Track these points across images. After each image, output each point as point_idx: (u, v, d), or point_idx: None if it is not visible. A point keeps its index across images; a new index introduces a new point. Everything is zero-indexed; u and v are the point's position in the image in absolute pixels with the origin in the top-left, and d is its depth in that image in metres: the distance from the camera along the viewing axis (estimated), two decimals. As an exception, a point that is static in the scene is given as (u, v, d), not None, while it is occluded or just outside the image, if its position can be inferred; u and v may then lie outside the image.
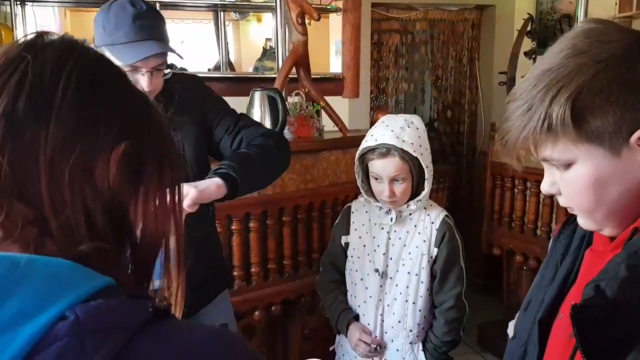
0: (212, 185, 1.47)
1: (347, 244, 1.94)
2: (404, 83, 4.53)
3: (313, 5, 2.83)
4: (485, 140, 4.25)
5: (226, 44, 4.48)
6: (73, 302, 0.47)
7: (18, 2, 3.03)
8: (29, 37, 0.58)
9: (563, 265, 0.91)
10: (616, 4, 4.27)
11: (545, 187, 0.82)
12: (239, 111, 1.81)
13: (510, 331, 1.35)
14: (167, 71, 1.61)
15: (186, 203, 1.37)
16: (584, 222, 0.82)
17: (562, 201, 0.82)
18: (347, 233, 1.93)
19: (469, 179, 4.69)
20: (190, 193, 1.39)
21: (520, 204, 3.19)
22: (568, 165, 0.76)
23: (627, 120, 0.71)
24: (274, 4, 2.94)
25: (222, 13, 4.27)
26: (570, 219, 0.94)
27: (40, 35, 0.58)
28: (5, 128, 0.52)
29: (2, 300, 0.45)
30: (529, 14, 3.57)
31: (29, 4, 3.16)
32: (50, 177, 0.53)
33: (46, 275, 0.48)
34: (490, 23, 4.51)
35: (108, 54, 1.47)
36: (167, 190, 0.62)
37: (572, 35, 0.76)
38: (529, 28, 3.45)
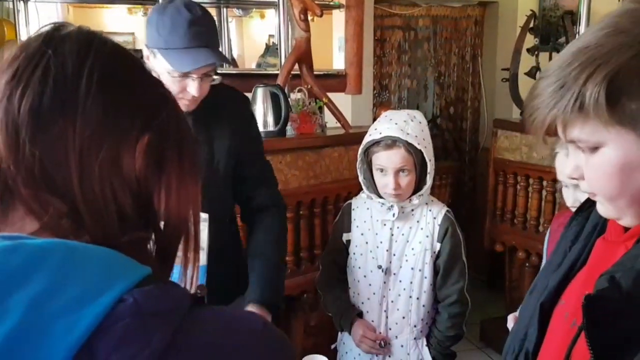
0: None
1: (348, 242, 1.94)
2: (406, 79, 4.53)
3: (316, 2, 2.83)
4: (488, 137, 4.24)
5: (229, 40, 4.49)
6: (129, 285, 0.49)
7: (21, -1, 3.04)
8: (46, 29, 0.58)
9: (572, 252, 0.90)
10: (619, 0, 4.27)
11: (568, 171, 0.80)
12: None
13: (510, 324, 1.35)
14: (215, 77, 1.58)
15: None
16: (604, 210, 0.80)
17: (585, 186, 0.79)
18: (349, 230, 1.93)
19: (472, 176, 4.69)
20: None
21: (523, 201, 3.19)
22: (595, 149, 0.74)
23: None
24: (276, 1, 2.93)
25: (224, 9, 4.28)
26: (585, 206, 0.93)
27: (57, 27, 0.58)
28: (34, 123, 0.53)
29: (65, 282, 0.47)
30: (531, 10, 3.56)
31: (32, 0, 3.16)
32: (81, 170, 0.54)
33: (100, 260, 0.50)
34: (493, 19, 4.50)
35: (160, 57, 1.47)
36: (188, 178, 0.63)
37: (615, 14, 0.73)
38: (531, 24, 3.44)
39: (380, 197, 1.84)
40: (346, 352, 1.98)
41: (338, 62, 3.72)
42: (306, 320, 2.65)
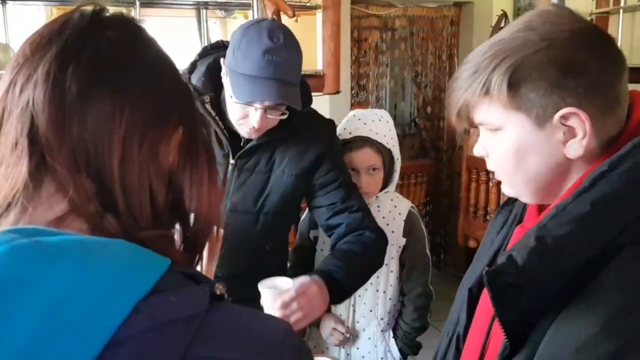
0: (313, 287, 1.36)
1: (316, 238, 1.97)
2: (384, 79, 4.58)
3: (291, 3, 2.87)
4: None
5: (209, 40, 4.50)
6: (145, 290, 0.47)
7: (-1, 0, 3.03)
8: (88, 9, 0.57)
9: (496, 241, 0.97)
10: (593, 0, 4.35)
11: (477, 150, 0.88)
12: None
13: None
14: (285, 112, 1.45)
15: (277, 304, 1.30)
16: (506, 188, 0.88)
17: (489, 164, 0.88)
18: (316, 227, 1.97)
19: (449, 174, 4.75)
20: (288, 294, 1.31)
21: (495, 197, 3.26)
22: (497, 130, 0.82)
23: (555, 98, 0.76)
24: (250, 2, 2.97)
25: (204, 11, 4.31)
26: (510, 200, 1.00)
27: (102, 9, 0.58)
28: (84, 103, 0.52)
29: (80, 287, 0.45)
30: (502, 10, 3.64)
31: (10, 2, 3.16)
32: (123, 156, 0.54)
33: (117, 261, 0.48)
34: (468, 19, 4.57)
35: (229, 77, 1.40)
36: (215, 173, 0.64)
37: (530, 13, 0.82)
38: (502, 24, 3.51)
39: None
40: (314, 347, 2.01)
41: (321, 62, 3.76)
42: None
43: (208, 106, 1.48)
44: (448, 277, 4.06)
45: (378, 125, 1.81)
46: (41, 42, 0.54)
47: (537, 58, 0.76)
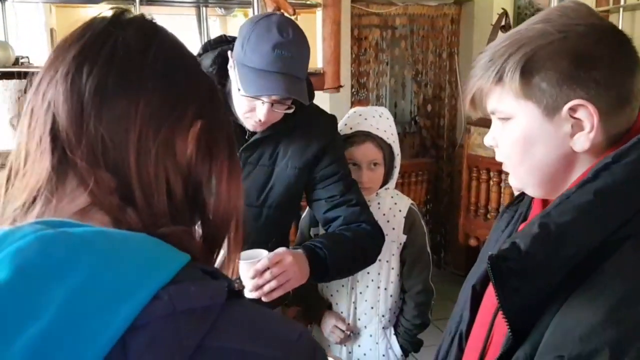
0: (288, 257, 1.37)
1: (316, 235, 1.98)
2: (384, 77, 4.58)
3: (292, 1, 2.87)
4: (465, 134, 4.31)
5: (209, 38, 4.50)
6: (165, 280, 0.48)
7: (-2, -1, 3.04)
8: (111, 13, 0.60)
9: (501, 238, 0.98)
10: (594, -1, 4.35)
11: (487, 140, 0.90)
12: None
13: None
14: (290, 107, 1.46)
15: (250, 273, 1.31)
16: (512, 180, 0.89)
17: (498, 155, 0.89)
18: (316, 225, 1.97)
19: (449, 172, 4.75)
20: (260, 262, 1.33)
21: (496, 196, 3.27)
22: (508, 119, 0.83)
23: (565, 89, 0.77)
24: (251, 0, 2.97)
25: (204, 9, 4.31)
26: (515, 200, 1.01)
27: (122, 12, 0.61)
28: (100, 99, 0.55)
29: (103, 276, 0.46)
30: (503, 9, 3.64)
31: (9, 0, 3.16)
32: (139, 150, 0.55)
33: (139, 252, 0.50)
34: (469, 18, 4.57)
35: (236, 69, 1.40)
36: (237, 168, 0.65)
37: (549, 8, 0.84)
38: (503, 23, 3.51)
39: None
40: (316, 344, 2.02)
41: (321, 60, 3.76)
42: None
43: None
44: (448, 276, 4.06)
45: (379, 121, 1.82)
46: (64, 46, 0.58)
47: (551, 48, 0.77)
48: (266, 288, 1.34)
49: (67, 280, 0.45)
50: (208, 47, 1.60)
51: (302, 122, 1.56)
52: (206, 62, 1.54)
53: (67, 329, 0.44)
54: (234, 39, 1.54)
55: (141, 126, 0.56)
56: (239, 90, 1.40)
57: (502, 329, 0.81)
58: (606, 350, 0.65)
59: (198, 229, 0.63)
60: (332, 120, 1.70)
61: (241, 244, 0.67)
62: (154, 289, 0.47)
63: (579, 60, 0.76)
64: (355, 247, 1.58)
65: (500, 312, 0.76)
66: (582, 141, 0.78)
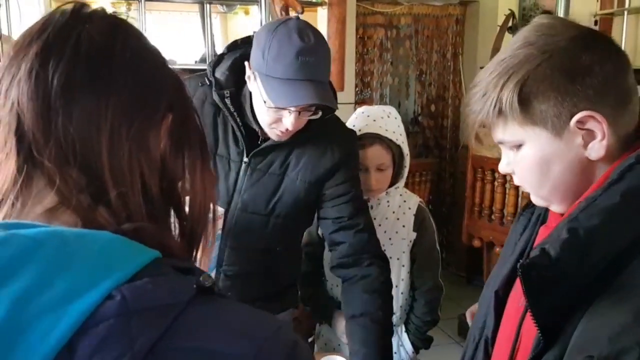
0: None
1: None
2: (388, 77, 4.57)
3: (298, -1, 2.86)
4: (468, 134, 4.31)
5: (212, 35, 4.49)
6: (121, 279, 0.46)
7: (1, -8, 3.02)
8: (69, 6, 0.58)
9: (520, 242, 0.98)
10: (597, 0, 4.35)
11: (502, 167, 0.89)
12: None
13: (468, 318, 1.41)
14: (316, 112, 1.41)
15: None
16: (535, 199, 0.89)
17: (516, 180, 0.88)
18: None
19: (452, 173, 4.75)
20: None
21: (500, 197, 3.26)
22: (519, 147, 0.83)
23: (567, 105, 0.77)
24: (258, -2, 2.96)
25: (207, 5, 4.29)
26: (530, 203, 1.00)
27: (82, 5, 0.58)
28: (68, 96, 0.53)
29: (52, 277, 0.45)
30: (510, 10, 3.63)
31: (12, -7, 3.14)
32: (111, 146, 0.54)
33: (95, 252, 0.47)
34: (473, 18, 4.56)
35: (259, 81, 1.35)
36: (209, 163, 0.64)
37: (525, 29, 0.83)
38: (510, 24, 3.51)
39: (358, 190, 1.88)
40: (325, 344, 2.00)
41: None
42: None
43: (228, 101, 1.44)
44: (449, 277, 4.05)
45: (387, 121, 1.80)
46: (24, 42, 0.55)
47: (542, 70, 0.78)
48: None
49: (14, 283, 0.43)
50: (234, 46, 1.53)
51: (318, 133, 1.51)
52: (227, 62, 1.49)
53: (13, 333, 0.42)
54: (245, 41, 1.50)
55: (113, 121, 0.54)
56: (264, 102, 1.35)
57: (530, 333, 0.81)
58: (636, 349, 0.65)
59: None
60: (352, 136, 1.64)
61: (214, 238, 0.65)
62: (106, 288, 0.45)
63: (571, 74, 0.77)
64: (387, 326, 1.57)
65: (527, 317, 0.76)
66: (596, 149, 0.78)
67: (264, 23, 3.10)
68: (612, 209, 0.73)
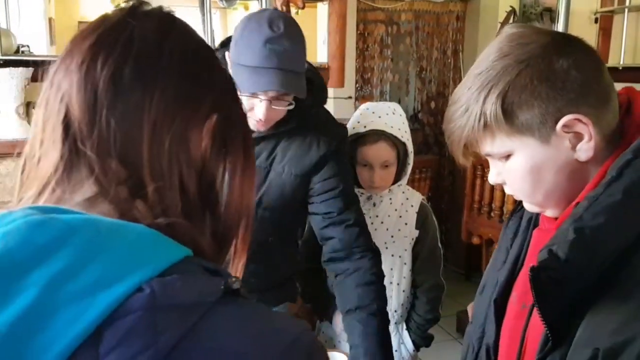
0: None
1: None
2: (388, 73, 4.56)
3: (299, -6, 2.85)
4: (468, 132, 4.30)
5: (212, 31, 4.48)
6: (151, 273, 0.47)
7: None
8: (128, 5, 0.60)
9: (513, 247, 0.98)
10: (597, -2, 4.34)
11: (492, 178, 0.90)
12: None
13: (469, 310, 1.42)
14: (291, 103, 1.42)
15: None
16: (528, 206, 0.90)
17: (507, 189, 0.89)
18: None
19: (451, 170, 4.75)
20: None
21: (500, 194, 3.26)
22: (507, 157, 0.84)
23: (551, 111, 0.78)
24: (259, -8, 2.95)
25: (207, 0, 4.27)
26: (518, 206, 1.01)
27: (140, 3, 0.60)
28: (114, 90, 0.54)
29: (84, 265, 0.45)
30: (511, 7, 3.62)
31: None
32: (152, 142, 0.55)
33: (127, 243, 0.48)
34: (474, 15, 4.55)
35: (233, 69, 1.37)
36: (251, 165, 0.64)
37: (498, 40, 0.84)
38: (511, 21, 3.50)
39: (360, 186, 1.87)
40: (325, 341, 2.00)
41: (322, 56, 3.74)
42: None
43: None
44: (448, 273, 4.04)
45: (392, 118, 1.80)
46: (81, 36, 0.57)
47: (521, 80, 0.78)
48: None
49: (48, 266, 0.44)
50: (225, 43, 1.56)
51: (305, 126, 1.51)
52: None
53: (42, 315, 0.43)
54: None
55: (155, 117, 0.55)
56: (237, 89, 1.39)
57: (536, 333, 0.81)
58: (638, 340, 0.67)
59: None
60: (342, 130, 1.64)
61: (249, 243, 0.65)
62: (137, 280, 0.46)
63: (550, 80, 0.78)
64: (384, 325, 1.58)
65: (532, 318, 0.76)
66: (585, 150, 0.79)
67: (264, 18, 3.09)
68: (615, 206, 0.74)
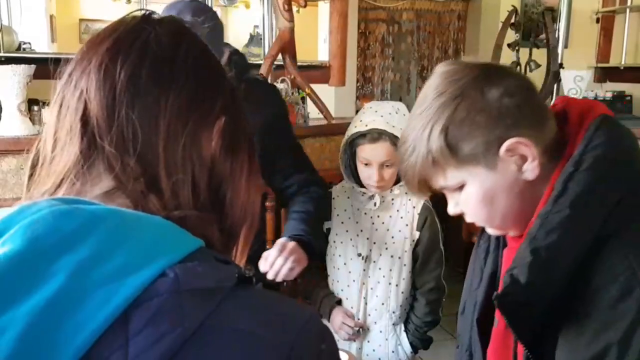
0: (290, 242, 1.58)
1: (328, 230, 1.95)
2: (389, 72, 4.56)
3: (301, -8, 2.85)
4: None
5: (213, 29, 4.48)
6: (172, 260, 0.49)
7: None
8: (140, 12, 0.64)
9: (487, 266, 1.01)
10: (599, -2, 4.34)
11: (450, 210, 0.93)
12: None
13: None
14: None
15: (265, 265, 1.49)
16: (491, 231, 0.94)
17: (467, 218, 0.92)
18: (329, 219, 1.95)
19: (452, 169, 4.75)
20: (271, 251, 1.51)
21: (501, 194, 3.25)
22: (461, 188, 0.87)
23: (492, 138, 0.81)
24: (261, -10, 2.95)
25: (210, -2, 4.27)
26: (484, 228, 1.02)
27: (152, 12, 0.64)
28: (132, 89, 0.57)
29: (111, 251, 0.48)
30: (513, 6, 3.61)
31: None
32: (168, 140, 0.57)
33: (150, 232, 0.51)
34: (475, 14, 4.55)
35: None
36: (256, 166, 0.67)
37: (433, 80, 0.88)
38: (512, 20, 3.49)
39: (362, 186, 1.87)
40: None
41: (322, 54, 3.74)
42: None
43: None
44: (449, 273, 4.05)
45: (395, 117, 1.78)
46: (97, 40, 0.60)
47: (459, 114, 0.82)
48: (287, 266, 1.49)
49: (75, 253, 0.46)
50: None
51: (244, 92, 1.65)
52: None
53: (72, 299, 0.45)
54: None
55: (170, 117, 0.58)
56: None
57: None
58: (613, 348, 0.71)
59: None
60: (275, 90, 1.78)
61: (252, 240, 0.69)
62: (161, 266, 0.48)
63: (485, 110, 0.81)
64: (320, 217, 1.80)
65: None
66: (531, 169, 0.82)
67: (265, 16, 3.09)
68: (565, 221, 0.77)
